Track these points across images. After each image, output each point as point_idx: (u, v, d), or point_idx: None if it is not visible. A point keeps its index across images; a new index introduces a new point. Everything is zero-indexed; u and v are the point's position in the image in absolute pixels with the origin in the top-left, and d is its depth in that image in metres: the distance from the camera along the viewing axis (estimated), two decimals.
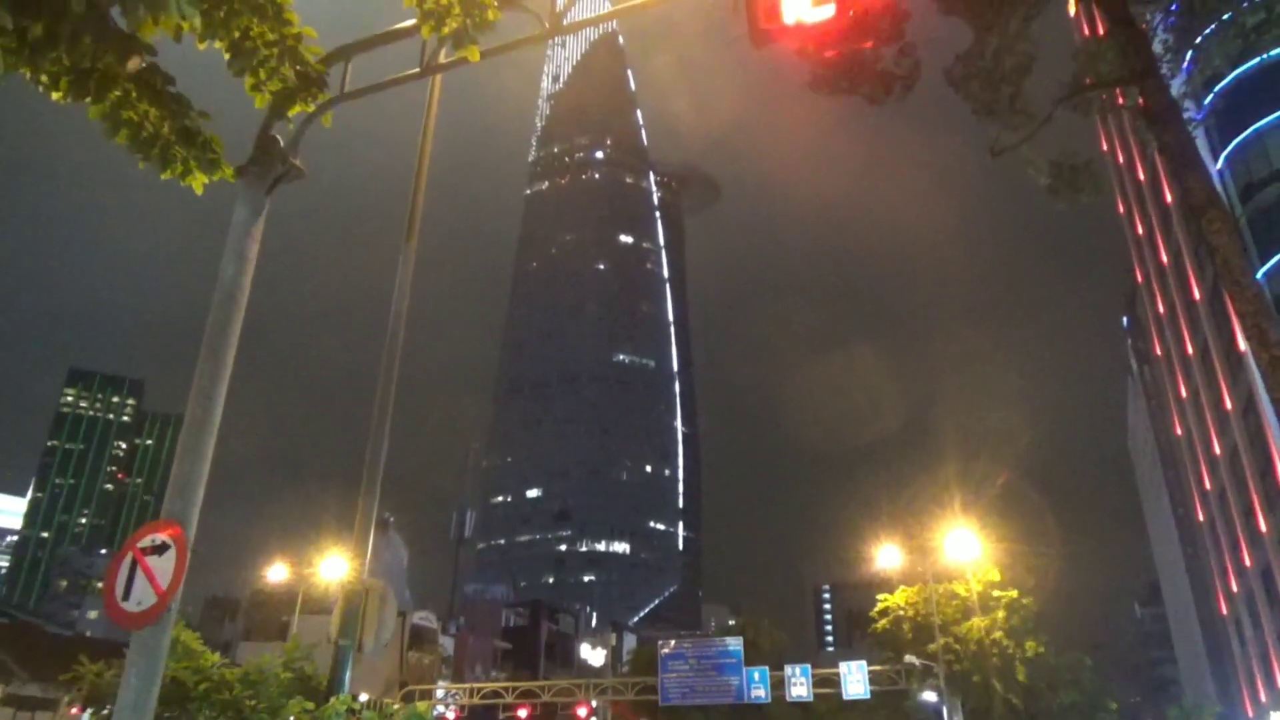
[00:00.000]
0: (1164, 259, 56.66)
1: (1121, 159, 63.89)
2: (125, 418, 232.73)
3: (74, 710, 39.28)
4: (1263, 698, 49.89)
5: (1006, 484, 39.53)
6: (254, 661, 6.89)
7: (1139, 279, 67.29)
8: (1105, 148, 65.46)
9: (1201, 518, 60.01)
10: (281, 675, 6.64)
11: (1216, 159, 43.49)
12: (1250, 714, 53.95)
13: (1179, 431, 62.59)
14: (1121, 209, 66.62)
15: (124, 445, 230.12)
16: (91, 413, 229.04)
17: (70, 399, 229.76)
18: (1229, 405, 46.01)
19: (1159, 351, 66.09)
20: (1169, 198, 52.13)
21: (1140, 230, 62.45)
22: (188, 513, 6.82)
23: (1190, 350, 53.61)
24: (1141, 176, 58.88)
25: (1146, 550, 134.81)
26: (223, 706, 6.46)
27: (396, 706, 7.96)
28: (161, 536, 6.68)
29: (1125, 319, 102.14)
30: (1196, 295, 49.15)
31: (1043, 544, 38.45)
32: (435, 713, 36.02)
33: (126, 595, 6.55)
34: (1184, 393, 57.92)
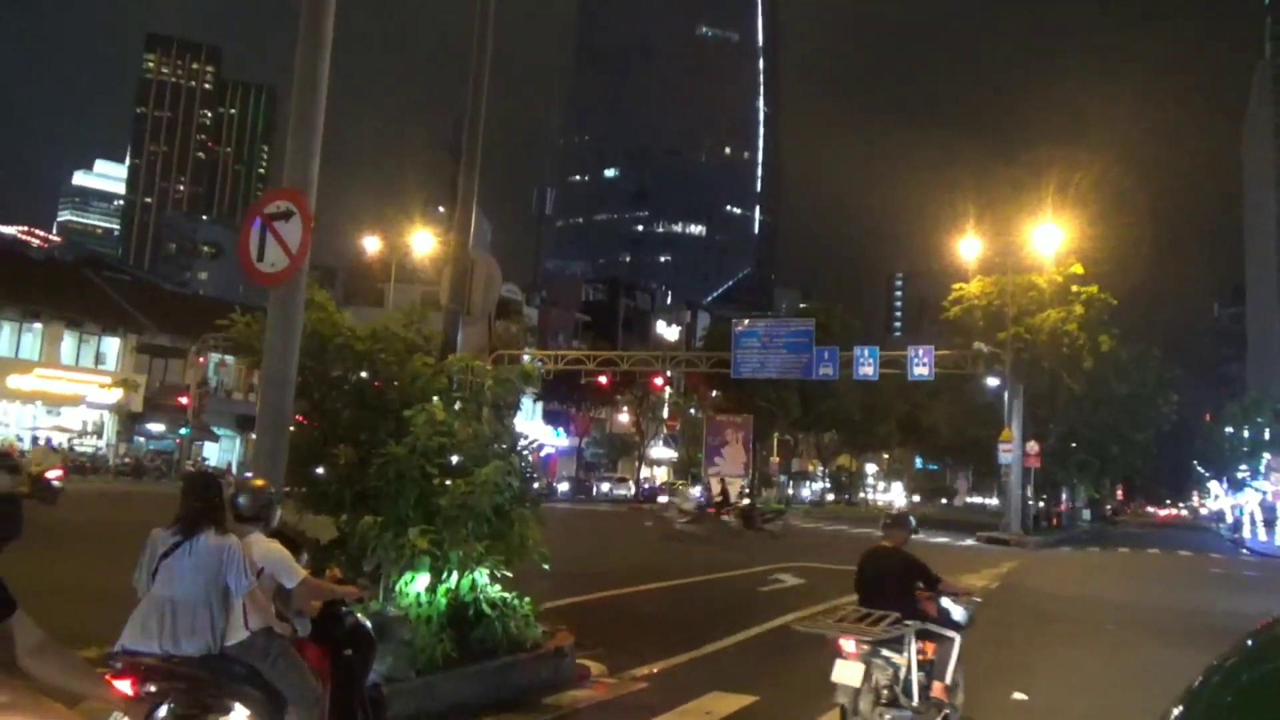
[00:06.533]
0: None
1: None
2: (207, 85, 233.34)
3: (201, 360, 43.57)
4: None
5: (1101, 173, 37.98)
6: (377, 320, 7.62)
7: None
8: None
9: None
10: (404, 334, 7.32)
11: None
12: None
13: None
14: None
15: (209, 114, 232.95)
16: (174, 79, 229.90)
17: (151, 65, 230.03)
18: None
19: None
20: None
21: None
22: (307, 182, 7.21)
23: None
24: None
25: (1238, 251, 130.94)
26: (357, 358, 7.20)
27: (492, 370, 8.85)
28: (286, 204, 7.13)
29: None
30: None
31: (1133, 236, 37.62)
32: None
33: (260, 257, 7.13)
34: None
